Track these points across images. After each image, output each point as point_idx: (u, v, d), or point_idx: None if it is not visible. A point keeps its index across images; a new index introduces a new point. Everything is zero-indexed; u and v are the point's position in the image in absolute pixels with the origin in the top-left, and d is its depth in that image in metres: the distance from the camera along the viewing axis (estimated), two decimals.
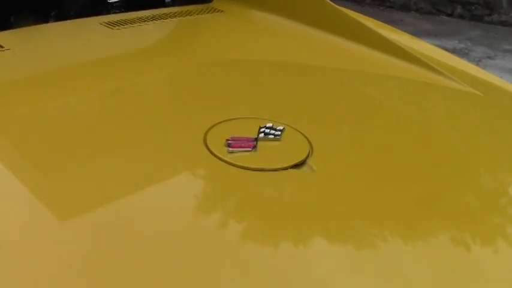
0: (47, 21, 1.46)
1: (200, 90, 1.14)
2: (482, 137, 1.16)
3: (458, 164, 1.02)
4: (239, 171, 0.85)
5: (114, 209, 0.79)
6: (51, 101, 1.06)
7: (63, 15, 1.51)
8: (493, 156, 1.07)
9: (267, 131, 0.95)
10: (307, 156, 0.90)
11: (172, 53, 1.37)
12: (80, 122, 0.99)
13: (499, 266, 0.80)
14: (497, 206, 0.94)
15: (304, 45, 1.45)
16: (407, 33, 1.60)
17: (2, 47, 1.18)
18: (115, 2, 1.61)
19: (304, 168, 0.88)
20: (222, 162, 0.86)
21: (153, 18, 1.47)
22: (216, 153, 0.88)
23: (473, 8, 6.47)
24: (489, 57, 5.25)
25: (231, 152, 0.88)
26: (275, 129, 0.96)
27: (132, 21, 1.42)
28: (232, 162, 0.86)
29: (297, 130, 0.97)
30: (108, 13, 1.55)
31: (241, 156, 0.88)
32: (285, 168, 0.87)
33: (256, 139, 0.92)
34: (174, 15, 1.52)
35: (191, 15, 1.55)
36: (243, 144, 0.90)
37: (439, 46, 1.60)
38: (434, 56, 1.41)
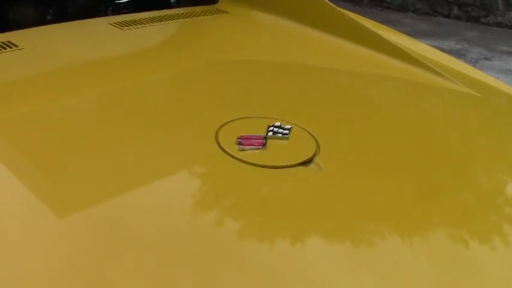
0: (58, 21, 1.49)
1: (209, 90, 1.17)
2: (481, 137, 1.19)
3: (458, 164, 1.05)
4: (251, 168, 0.88)
5: (125, 206, 0.81)
6: (64, 99, 1.08)
7: (74, 15, 1.55)
8: (491, 155, 1.11)
9: (276, 129, 0.98)
10: (314, 154, 0.93)
11: (181, 53, 1.40)
12: (92, 120, 1.02)
13: (496, 262, 0.82)
14: (495, 205, 0.97)
15: (308, 47, 1.48)
16: (405, 33, 1.64)
17: (16, 45, 1.21)
18: (123, 3, 1.65)
19: (312, 165, 0.91)
20: (234, 160, 0.89)
21: (161, 19, 1.50)
22: (228, 150, 0.91)
23: (469, 9, 6.50)
24: (486, 58, 5.28)
25: (242, 150, 0.92)
26: (283, 128, 0.99)
27: (140, 22, 1.45)
28: (244, 159, 0.89)
29: (304, 129, 1.00)
30: (117, 14, 1.58)
31: (252, 154, 0.91)
32: (294, 166, 0.90)
33: (266, 137, 0.96)
34: (181, 16, 1.55)
35: (197, 16, 1.58)
36: (253, 142, 0.94)
37: (436, 47, 1.63)
38: (433, 57, 1.44)
